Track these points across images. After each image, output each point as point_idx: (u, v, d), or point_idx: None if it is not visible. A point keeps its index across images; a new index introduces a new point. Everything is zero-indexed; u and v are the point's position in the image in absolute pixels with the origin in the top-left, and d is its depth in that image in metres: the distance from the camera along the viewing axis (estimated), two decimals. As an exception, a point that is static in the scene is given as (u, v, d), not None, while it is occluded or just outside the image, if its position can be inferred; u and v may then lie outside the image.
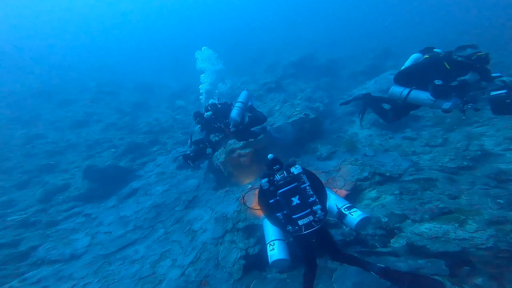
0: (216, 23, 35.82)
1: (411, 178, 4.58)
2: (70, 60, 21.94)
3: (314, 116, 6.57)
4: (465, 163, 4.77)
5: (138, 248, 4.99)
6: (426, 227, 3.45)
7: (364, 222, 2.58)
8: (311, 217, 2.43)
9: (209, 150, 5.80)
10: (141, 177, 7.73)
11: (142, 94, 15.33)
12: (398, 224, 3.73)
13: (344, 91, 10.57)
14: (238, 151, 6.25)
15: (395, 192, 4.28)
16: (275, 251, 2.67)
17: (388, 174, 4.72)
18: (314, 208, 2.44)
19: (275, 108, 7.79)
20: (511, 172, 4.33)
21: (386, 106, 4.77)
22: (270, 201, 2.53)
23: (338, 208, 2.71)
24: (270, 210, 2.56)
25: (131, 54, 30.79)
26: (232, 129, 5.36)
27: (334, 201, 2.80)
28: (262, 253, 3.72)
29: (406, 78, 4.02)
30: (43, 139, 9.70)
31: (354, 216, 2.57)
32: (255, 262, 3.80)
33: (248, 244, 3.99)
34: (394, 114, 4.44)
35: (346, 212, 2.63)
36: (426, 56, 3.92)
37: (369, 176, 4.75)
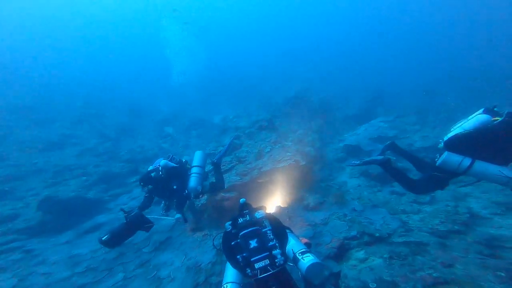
0: (215, 51, 37.06)
1: (401, 240, 4.37)
2: (57, 75, 21.38)
3: (304, 163, 6.41)
4: (456, 227, 4.62)
5: None
6: None
7: (314, 268, 2.46)
8: (267, 261, 2.41)
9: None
10: (111, 211, 6.92)
11: (129, 117, 14.89)
12: None
13: (335, 134, 10.72)
14: (222, 194, 5.90)
15: (384, 256, 4.02)
16: None
17: (377, 234, 4.51)
18: (273, 252, 2.45)
19: (266, 150, 7.63)
20: (502, 238, 4.20)
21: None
22: (232, 243, 2.59)
23: (293, 253, 2.65)
24: (231, 253, 2.60)
25: (125, 71, 30.88)
26: (178, 216, 4.01)
27: (292, 246, 2.74)
28: None
29: (469, 144, 3.14)
30: (4, 161, 8.65)
31: (305, 261, 2.50)
32: None
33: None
34: (429, 185, 3.48)
35: (299, 257, 2.56)
36: (497, 118, 3.10)
37: (358, 235, 4.52)
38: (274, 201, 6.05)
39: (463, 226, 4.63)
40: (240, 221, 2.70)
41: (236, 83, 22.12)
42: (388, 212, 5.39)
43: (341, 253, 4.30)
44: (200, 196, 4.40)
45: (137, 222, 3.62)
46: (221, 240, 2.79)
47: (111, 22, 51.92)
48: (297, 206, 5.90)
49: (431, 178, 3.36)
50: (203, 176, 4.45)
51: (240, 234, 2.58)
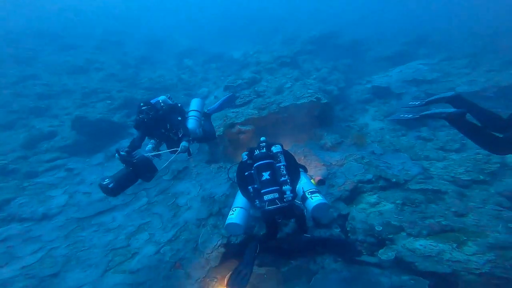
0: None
1: (418, 187, 4.25)
2: (77, 4, 20.30)
3: (326, 101, 5.98)
4: (481, 177, 4.35)
5: (116, 216, 4.64)
6: (421, 244, 3.26)
7: (320, 208, 2.59)
8: (276, 195, 2.46)
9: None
10: (133, 136, 7.35)
11: (149, 47, 14.30)
12: (392, 236, 3.51)
13: (363, 75, 9.66)
14: (239, 126, 5.87)
15: (397, 202, 3.99)
16: (233, 215, 2.75)
17: (394, 180, 4.40)
18: (284, 188, 2.49)
19: (286, 85, 7.14)
20: None
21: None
22: (245, 173, 2.64)
23: (303, 191, 2.75)
24: (244, 182, 2.68)
25: (146, 3, 28.66)
26: (185, 144, 3.49)
27: (303, 184, 2.84)
28: (244, 244, 3.58)
29: None
30: (36, 80, 9.05)
31: (313, 200, 2.59)
32: (236, 253, 3.62)
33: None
34: None
35: (308, 196, 2.66)
36: None
37: (373, 179, 4.43)
38: (290, 137, 5.95)
39: (489, 176, 4.33)
40: (256, 153, 2.71)
41: (259, 21, 19.89)
42: (409, 157, 5.14)
43: (353, 196, 4.30)
44: (191, 142, 3.84)
45: (144, 168, 3.13)
46: (235, 172, 2.84)
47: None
48: (313, 145, 5.80)
49: None
50: (200, 121, 4.23)
51: (254, 165, 2.61)
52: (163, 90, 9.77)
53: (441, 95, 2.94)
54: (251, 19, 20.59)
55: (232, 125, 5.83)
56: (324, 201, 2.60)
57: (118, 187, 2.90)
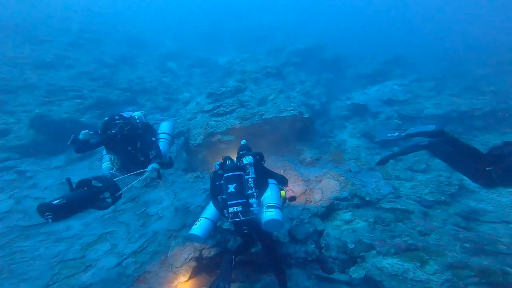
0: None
1: (388, 206, 4.49)
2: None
3: (308, 115, 6.12)
4: (442, 198, 4.73)
5: (73, 224, 4.13)
6: (388, 262, 3.43)
7: (271, 224, 2.57)
8: (240, 208, 2.49)
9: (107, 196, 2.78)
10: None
11: (130, 47, 13.61)
12: (363, 253, 3.65)
13: (343, 91, 10.13)
14: (219, 136, 5.78)
15: (370, 220, 4.16)
16: (197, 226, 2.79)
17: (368, 198, 4.59)
18: (250, 200, 2.52)
19: (270, 97, 7.22)
20: (480, 211, 4.38)
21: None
22: (216, 183, 2.70)
23: (262, 204, 2.74)
24: (214, 192, 2.73)
25: (131, 1, 27.61)
26: (156, 166, 3.30)
27: (265, 197, 2.80)
28: (217, 257, 3.47)
29: None
30: None
31: (266, 215, 2.57)
32: (207, 266, 3.51)
33: (204, 245, 3.63)
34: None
35: (264, 210, 2.64)
36: None
37: (349, 197, 4.58)
38: (271, 150, 5.97)
39: (449, 197, 4.72)
40: (227, 163, 2.75)
41: (247, 28, 20.16)
42: (382, 176, 5.41)
43: (328, 212, 4.39)
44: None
45: (109, 188, 2.63)
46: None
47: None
48: (293, 159, 5.89)
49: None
50: (170, 146, 4.00)
51: (224, 176, 2.65)
52: (141, 92, 9.39)
53: (422, 129, 2.88)
54: (239, 26, 20.76)
55: (213, 134, 5.75)
56: (275, 217, 2.53)
57: (65, 206, 2.20)
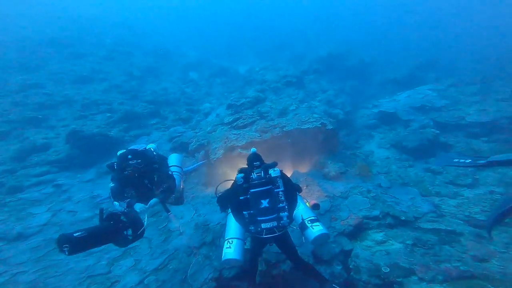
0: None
1: (429, 226, 3.92)
2: (90, 13, 20.73)
3: (331, 127, 5.78)
4: (499, 218, 4.02)
5: None
6: None
7: (322, 238, 2.54)
8: (275, 223, 2.41)
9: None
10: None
11: (156, 59, 14.49)
12: (401, 279, 3.15)
13: (370, 99, 9.53)
14: (239, 150, 5.65)
15: (407, 242, 3.65)
16: (231, 250, 2.63)
17: (403, 217, 4.05)
18: (281, 214, 2.43)
19: (291, 107, 6.99)
20: None
21: None
22: (241, 198, 2.49)
23: (302, 219, 2.67)
24: (238, 207, 2.53)
25: (157, 14, 29.38)
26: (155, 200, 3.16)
27: (302, 211, 2.76)
28: (238, 278, 3.30)
29: None
30: (39, 89, 8.96)
31: (315, 230, 2.53)
32: (227, 287, 3.30)
33: (224, 265, 3.44)
34: None
35: (309, 225, 2.59)
36: None
37: (380, 216, 4.10)
38: (292, 164, 5.71)
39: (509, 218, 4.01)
40: (253, 176, 2.54)
41: (267, 36, 20.19)
42: (419, 192, 4.85)
43: (357, 231, 3.99)
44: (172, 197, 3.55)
45: (133, 225, 2.54)
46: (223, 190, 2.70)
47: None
48: (316, 173, 5.53)
49: None
50: (182, 178, 3.85)
51: (251, 191, 2.46)
52: (165, 104, 9.68)
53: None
54: (260, 34, 20.93)
55: (233, 148, 5.63)
56: (325, 231, 2.54)
57: (85, 239, 2.11)
